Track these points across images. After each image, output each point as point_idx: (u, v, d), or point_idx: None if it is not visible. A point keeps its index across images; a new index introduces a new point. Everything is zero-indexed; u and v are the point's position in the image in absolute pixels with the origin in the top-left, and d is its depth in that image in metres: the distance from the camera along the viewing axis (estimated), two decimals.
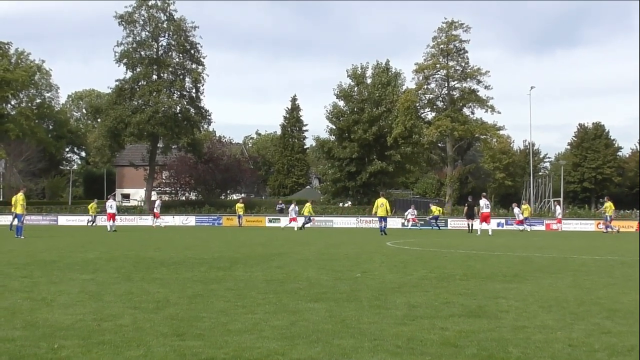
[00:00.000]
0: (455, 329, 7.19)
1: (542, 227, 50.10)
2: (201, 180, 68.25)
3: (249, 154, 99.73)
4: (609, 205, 41.27)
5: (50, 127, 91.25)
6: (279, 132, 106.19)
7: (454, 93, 63.04)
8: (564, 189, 77.55)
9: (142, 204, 67.44)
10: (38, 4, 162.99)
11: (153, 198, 63.06)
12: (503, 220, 50.39)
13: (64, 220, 56.21)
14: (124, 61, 62.66)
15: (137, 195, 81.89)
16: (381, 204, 36.05)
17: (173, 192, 72.47)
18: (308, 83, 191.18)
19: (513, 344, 6.47)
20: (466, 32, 61.87)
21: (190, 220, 56.52)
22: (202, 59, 65.15)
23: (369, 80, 65.35)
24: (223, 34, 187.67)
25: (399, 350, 6.17)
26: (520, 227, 45.08)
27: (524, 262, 16.53)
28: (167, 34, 64.28)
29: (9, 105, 74.59)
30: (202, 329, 7.06)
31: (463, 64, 61.97)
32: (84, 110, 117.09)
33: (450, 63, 62.16)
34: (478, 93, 61.84)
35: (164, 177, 72.21)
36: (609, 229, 41.27)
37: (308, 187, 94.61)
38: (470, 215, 40.22)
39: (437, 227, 47.95)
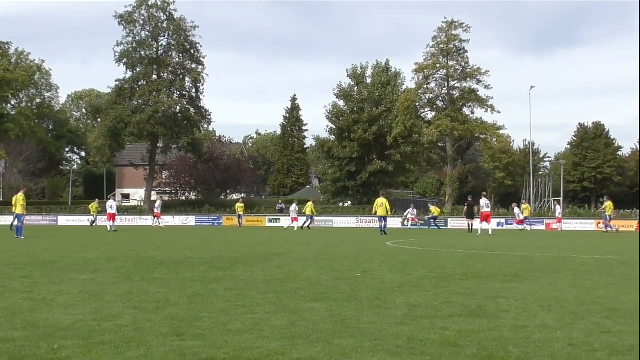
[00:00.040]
0: (455, 328, 7.19)
1: (542, 227, 50.11)
2: (201, 180, 68.26)
3: (249, 153, 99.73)
4: (608, 205, 41.28)
5: (50, 127, 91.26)
6: (279, 131, 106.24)
7: (454, 93, 63.04)
8: (564, 188, 77.55)
9: (142, 204, 67.42)
10: (38, 4, 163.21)
11: (153, 198, 63.08)
12: (503, 220, 50.37)
13: (64, 220, 56.21)
14: (123, 61, 62.66)
15: (137, 195, 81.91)
16: (381, 204, 36.12)
17: (173, 192, 72.50)
18: (308, 83, 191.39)
19: (513, 343, 6.47)
20: (466, 31, 61.95)
21: (190, 220, 56.53)
22: (202, 58, 65.19)
23: (368, 80, 65.39)
24: (223, 34, 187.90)
25: (399, 350, 6.17)
26: (520, 227, 45.08)
27: (524, 261, 16.53)
28: (167, 34, 64.28)
29: (9, 105, 74.57)
30: (202, 329, 7.05)
31: (463, 64, 61.98)
32: (84, 110, 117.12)
33: (450, 63, 62.17)
34: (478, 93, 61.87)
35: (164, 177, 72.22)
36: (609, 229, 41.27)
37: (308, 186, 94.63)
38: (470, 215, 40.22)
39: (437, 227, 47.96)
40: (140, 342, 6.40)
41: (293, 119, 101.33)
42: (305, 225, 45.97)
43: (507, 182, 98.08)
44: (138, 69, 63.20)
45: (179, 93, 65.05)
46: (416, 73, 62.78)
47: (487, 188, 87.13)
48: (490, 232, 35.98)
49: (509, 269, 14.27)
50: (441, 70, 62.30)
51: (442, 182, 75.29)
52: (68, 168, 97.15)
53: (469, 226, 40.14)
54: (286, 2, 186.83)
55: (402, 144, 61.59)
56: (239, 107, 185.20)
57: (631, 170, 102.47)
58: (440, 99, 64.12)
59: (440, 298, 9.53)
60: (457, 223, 50.33)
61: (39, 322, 7.41)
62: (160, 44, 64.53)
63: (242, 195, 70.33)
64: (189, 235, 32.91)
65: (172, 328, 7.10)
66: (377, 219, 38.71)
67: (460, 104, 62.40)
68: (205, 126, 72.39)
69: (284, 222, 53.40)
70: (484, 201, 37.75)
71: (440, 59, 62.10)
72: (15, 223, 29.61)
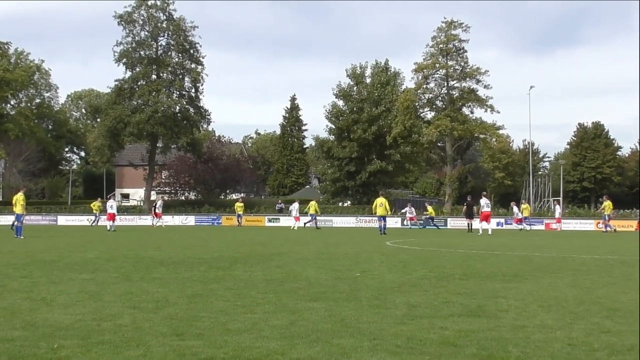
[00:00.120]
0: (454, 328, 7.19)
1: (542, 227, 50.10)
2: (200, 179, 68.27)
3: (249, 153, 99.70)
4: (607, 204, 41.32)
5: (50, 127, 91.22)
6: (278, 131, 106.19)
7: (454, 92, 63.01)
8: (564, 188, 77.58)
9: (142, 204, 67.42)
10: (38, 4, 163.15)
11: (152, 198, 63.07)
12: (502, 220, 50.36)
13: (63, 220, 56.17)
14: (123, 61, 62.64)
15: (137, 195, 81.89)
16: (380, 204, 36.17)
17: (172, 191, 72.51)
18: (308, 83, 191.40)
19: (512, 343, 6.47)
20: (465, 31, 61.88)
21: (190, 219, 56.51)
22: (201, 58, 65.17)
23: (368, 80, 65.35)
24: (223, 34, 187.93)
25: (398, 349, 6.17)
26: (520, 227, 45.07)
27: (523, 261, 16.53)
28: (166, 34, 64.26)
29: (9, 105, 74.55)
30: (202, 329, 7.05)
31: (462, 64, 61.95)
32: (83, 110, 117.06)
33: (450, 62, 62.14)
34: (477, 92, 61.84)
35: (163, 177, 72.23)
36: (608, 228, 41.28)
37: (307, 186, 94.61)
38: (470, 215, 40.23)
39: (436, 227, 47.97)
40: (140, 341, 6.40)
41: (292, 118, 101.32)
42: (310, 224, 46.00)
43: (506, 182, 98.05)
44: (137, 69, 63.19)
45: (178, 93, 65.05)
46: (416, 73, 62.81)
47: (487, 188, 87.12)
48: (489, 232, 35.98)
49: (509, 268, 14.28)
50: (440, 70, 62.28)
51: (442, 182, 75.29)
52: (67, 168, 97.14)
53: (468, 226, 40.15)
54: (286, 2, 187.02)
55: (401, 143, 61.58)
56: (238, 107, 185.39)
57: (631, 170, 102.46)
58: (440, 98, 64.12)
59: (440, 298, 9.53)
60: (456, 223, 50.31)
61: (39, 322, 7.41)
62: (159, 44, 64.53)
63: (242, 195, 70.30)
64: (188, 235, 32.90)
65: (171, 328, 7.10)
66: (376, 218, 38.74)
67: (460, 103, 62.38)
68: (205, 126, 72.44)
69: (283, 222, 53.50)
70: (484, 201, 37.76)
71: (440, 59, 62.08)
72: (15, 223, 29.60)
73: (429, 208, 51.52)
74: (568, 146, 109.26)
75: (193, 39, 64.46)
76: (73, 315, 7.87)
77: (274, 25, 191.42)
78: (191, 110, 65.28)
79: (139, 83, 63.41)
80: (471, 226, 39.68)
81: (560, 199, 64.76)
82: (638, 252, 19.79)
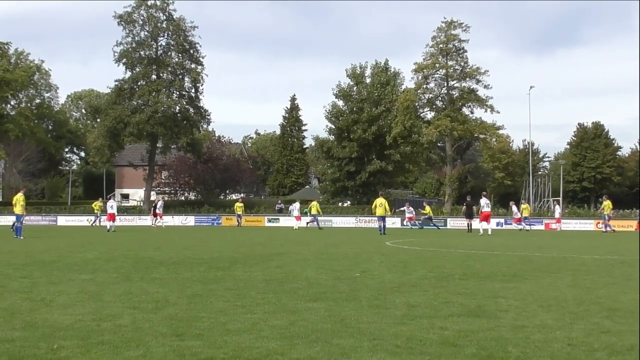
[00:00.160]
0: (454, 328, 7.19)
1: (542, 227, 50.10)
2: (200, 180, 68.27)
3: (248, 153, 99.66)
4: (607, 204, 41.33)
5: (50, 127, 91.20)
6: (278, 131, 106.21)
7: (453, 92, 63.00)
8: (564, 188, 77.59)
9: (142, 204, 67.43)
10: (38, 4, 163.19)
11: (152, 198, 63.06)
12: (502, 220, 50.35)
13: (63, 220, 56.16)
14: (123, 61, 62.63)
15: (137, 195, 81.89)
16: (380, 204, 36.22)
17: (172, 192, 72.50)
18: (308, 83, 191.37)
19: (512, 343, 6.47)
20: (465, 31, 61.86)
21: (190, 220, 56.51)
22: (201, 58, 65.15)
23: (368, 80, 65.37)
24: (223, 34, 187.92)
25: (398, 349, 6.17)
26: (519, 227, 45.07)
27: (523, 261, 16.53)
28: (166, 34, 64.24)
29: (9, 106, 74.50)
30: (201, 329, 7.06)
31: (462, 64, 61.93)
32: (83, 111, 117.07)
33: (450, 62, 62.13)
34: (477, 92, 61.83)
35: (163, 177, 72.23)
36: (608, 228, 41.28)
37: (307, 186, 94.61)
38: (469, 215, 40.22)
39: (436, 227, 47.97)
40: (140, 342, 6.40)
41: (292, 119, 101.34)
42: (313, 224, 46.06)
43: (506, 182, 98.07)
44: (137, 69, 63.18)
45: (178, 93, 65.03)
46: (415, 73, 62.80)
47: (487, 188, 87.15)
48: (489, 232, 35.97)
49: (508, 268, 14.28)
50: (440, 70, 62.27)
51: (442, 182, 75.28)
52: (67, 168, 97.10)
53: (468, 226, 40.14)
54: (286, 2, 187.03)
55: (401, 143, 61.59)
56: (238, 107, 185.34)
57: (631, 170, 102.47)
58: (440, 98, 64.10)
59: (440, 298, 9.53)
60: (456, 223, 50.30)
61: (38, 322, 7.41)
62: (159, 44, 64.51)
63: (242, 195, 70.30)
64: (188, 236, 32.90)
65: (171, 328, 7.10)
66: (376, 218, 38.76)
67: (460, 103, 62.37)
68: (205, 126, 72.40)
69: (283, 222, 53.54)
70: (484, 201, 37.76)
71: (440, 59, 62.07)
72: (15, 223, 29.60)
73: (427, 207, 51.49)
74: (568, 146, 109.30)
75: (193, 39, 64.51)
76: (73, 315, 7.87)
77: (273, 25, 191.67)
78: (191, 110, 65.27)
79: (139, 83, 63.40)
80: (471, 226, 39.68)
81: (560, 199, 64.77)
82: (638, 252, 19.79)
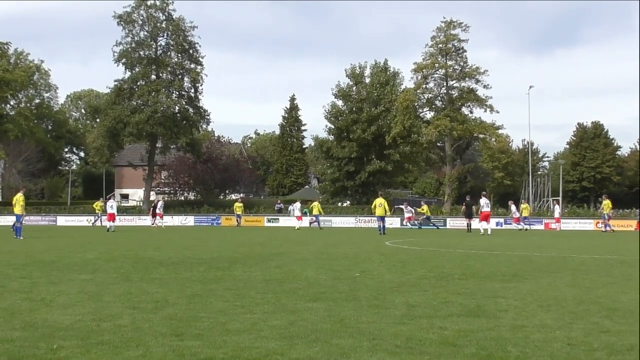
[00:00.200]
0: (454, 328, 7.19)
1: (541, 227, 50.09)
2: (200, 180, 68.26)
3: (248, 153, 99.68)
4: (606, 204, 41.34)
5: (49, 127, 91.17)
6: (277, 131, 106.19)
7: (453, 92, 62.97)
8: (563, 188, 77.58)
9: (141, 204, 67.42)
10: (38, 4, 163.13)
11: (152, 198, 63.04)
12: (502, 220, 50.35)
13: (63, 220, 56.11)
14: (122, 61, 62.60)
15: (136, 195, 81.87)
16: (379, 204, 36.26)
17: (172, 192, 72.48)
18: (308, 83, 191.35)
19: (512, 343, 6.47)
20: (465, 31, 61.81)
21: (189, 220, 56.47)
22: (200, 58, 65.13)
23: (367, 80, 65.36)
24: (222, 34, 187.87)
25: (397, 349, 6.17)
26: (519, 226, 45.06)
27: (522, 261, 16.54)
28: (165, 34, 64.22)
29: (8, 106, 74.51)
30: (201, 329, 7.06)
31: (462, 64, 61.88)
32: (82, 111, 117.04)
33: (449, 62, 62.10)
34: (477, 92, 61.81)
35: (162, 177, 72.19)
36: (608, 228, 41.29)
37: (307, 186, 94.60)
38: (469, 215, 40.23)
39: (436, 227, 47.97)
40: (139, 342, 6.41)
41: (292, 119, 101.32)
42: (314, 224, 46.09)
43: (506, 182, 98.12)
44: (137, 69, 63.17)
45: (177, 93, 65.01)
46: (415, 73, 62.75)
47: (486, 188, 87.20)
48: (489, 232, 35.99)
49: (508, 268, 14.28)
50: (440, 70, 62.23)
51: (441, 181, 75.28)
52: (67, 168, 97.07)
53: (467, 226, 40.15)
54: (286, 2, 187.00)
55: (400, 143, 61.58)
56: (238, 107, 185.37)
57: (630, 170, 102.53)
58: (439, 98, 64.07)
59: (439, 298, 9.53)
60: (456, 223, 50.29)
61: (38, 323, 7.41)
62: (159, 44, 64.49)
63: (241, 195, 70.30)
64: (187, 236, 32.90)
65: (170, 328, 7.10)
66: (375, 218, 38.79)
67: (459, 103, 62.34)
68: (204, 126, 72.38)
69: (283, 222, 53.54)
70: (483, 200, 37.78)
71: (439, 59, 62.04)
72: (15, 224, 29.58)
73: (424, 206, 51.44)
74: (567, 146, 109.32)
75: (192, 39, 64.49)
76: (72, 315, 7.87)
77: (273, 25, 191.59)
78: (190, 110, 65.25)
79: (139, 83, 63.38)
80: (470, 226, 39.69)
81: (560, 198, 64.78)
82: (638, 251, 19.80)
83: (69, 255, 17.75)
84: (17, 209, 28.89)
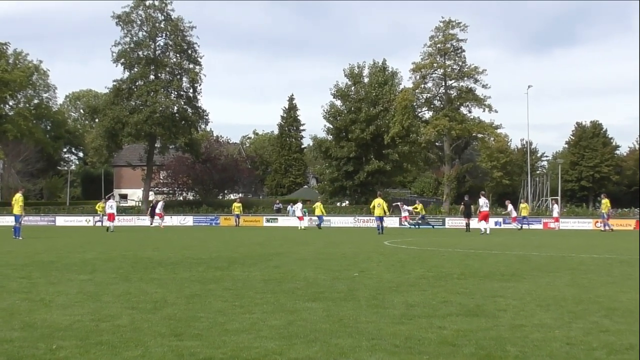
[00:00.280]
0: (453, 327, 7.19)
1: (540, 226, 50.13)
2: (199, 180, 68.27)
3: (247, 153, 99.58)
4: (605, 203, 41.38)
5: (48, 127, 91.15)
6: (276, 131, 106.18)
7: (451, 92, 63.04)
8: (562, 187, 77.60)
9: (140, 204, 67.41)
10: (37, 4, 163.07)
11: (151, 198, 63.04)
12: (501, 219, 50.37)
13: (61, 220, 56.13)
14: (121, 61, 62.65)
15: (135, 195, 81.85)
16: (378, 204, 36.33)
17: (171, 192, 72.46)
18: (307, 83, 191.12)
19: (511, 342, 6.47)
20: (463, 31, 61.87)
21: (188, 220, 56.49)
22: (199, 58, 65.20)
23: (366, 80, 65.36)
24: (221, 34, 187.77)
25: (396, 349, 6.17)
26: (518, 225, 45.08)
27: (521, 260, 16.54)
28: (164, 34, 64.27)
29: (7, 106, 74.54)
30: (200, 329, 7.05)
31: (460, 63, 61.96)
32: (81, 111, 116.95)
33: (448, 62, 62.15)
34: (475, 92, 61.88)
35: (161, 177, 72.18)
36: (607, 227, 41.32)
37: (306, 186, 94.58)
38: (468, 214, 40.24)
39: (431, 227, 48.03)
40: (138, 342, 6.40)
41: (290, 118, 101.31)
42: (316, 224, 46.14)
43: (504, 182, 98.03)
44: (135, 69, 63.20)
45: (176, 93, 65.04)
46: (413, 72, 62.82)
47: (485, 187, 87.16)
48: (488, 232, 35.99)
49: (507, 268, 14.28)
50: (438, 70, 62.28)
51: (440, 181, 75.28)
52: (66, 168, 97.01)
53: (466, 226, 40.15)
54: (286, 2, 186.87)
55: (399, 143, 61.59)
56: (236, 107, 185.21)
57: (629, 169, 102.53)
58: (438, 98, 64.14)
59: (438, 297, 9.53)
60: (454, 222, 50.30)
61: (37, 323, 7.40)
62: (157, 44, 64.56)
63: (240, 195, 70.28)
64: (186, 236, 32.89)
65: (169, 328, 7.10)
66: (374, 218, 38.82)
67: (458, 103, 62.39)
68: (203, 126, 72.42)
69: (281, 222, 53.55)
70: (482, 200, 37.78)
71: (438, 59, 62.09)
72: (14, 224, 29.56)
73: (419, 205, 51.38)
74: (566, 145, 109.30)
75: (191, 39, 64.59)
76: (72, 316, 7.87)
77: (272, 25, 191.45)
78: (189, 110, 65.28)
79: (137, 83, 63.40)
80: (469, 226, 39.69)
81: (559, 198, 64.81)
82: (637, 251, 19.81)
83: (68, 255, 17.74)
84: (16, 210, 28.87)
